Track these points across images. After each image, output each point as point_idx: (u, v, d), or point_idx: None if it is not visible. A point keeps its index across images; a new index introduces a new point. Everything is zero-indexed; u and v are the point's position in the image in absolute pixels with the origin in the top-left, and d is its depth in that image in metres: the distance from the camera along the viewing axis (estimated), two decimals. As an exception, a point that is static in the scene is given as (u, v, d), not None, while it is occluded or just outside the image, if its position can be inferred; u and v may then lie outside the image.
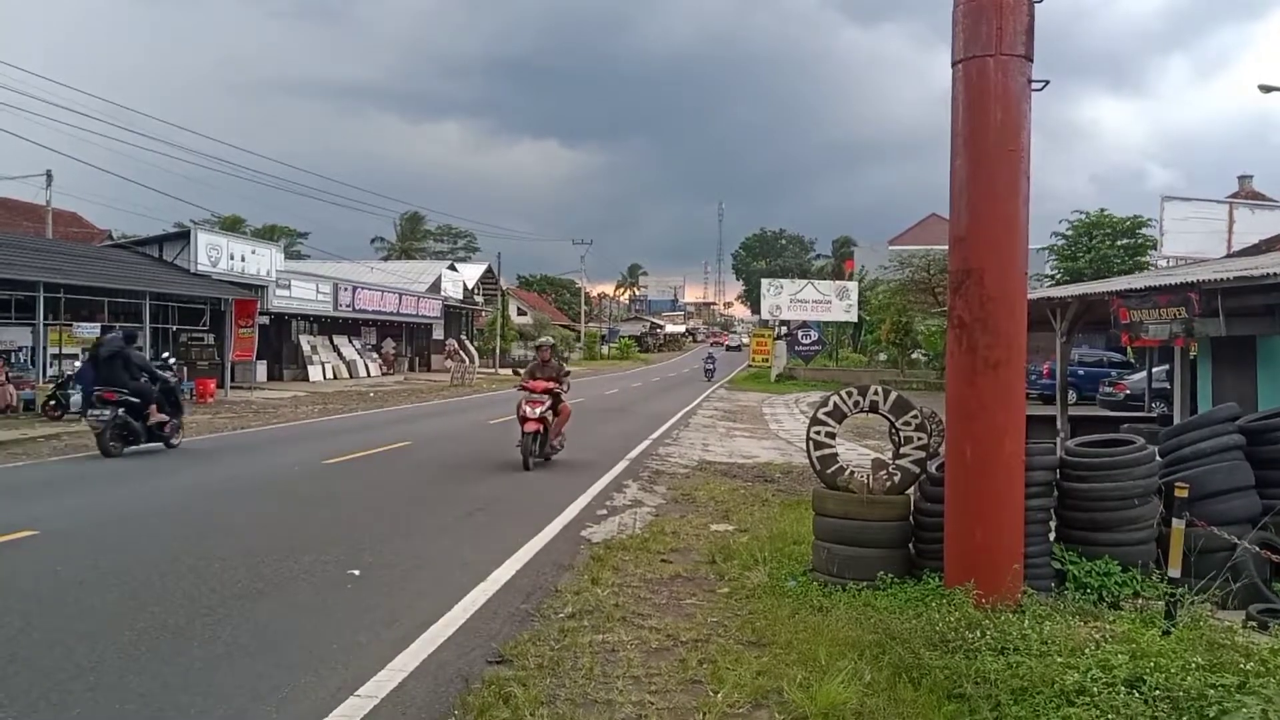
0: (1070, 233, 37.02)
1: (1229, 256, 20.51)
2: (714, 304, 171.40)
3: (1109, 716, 3.78)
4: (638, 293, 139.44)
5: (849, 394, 6.70)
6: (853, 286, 49.92)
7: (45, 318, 20.68)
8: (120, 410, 13.23)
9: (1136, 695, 3.91)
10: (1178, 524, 5.22)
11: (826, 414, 6.65)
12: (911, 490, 6.48)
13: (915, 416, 6.45)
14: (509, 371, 31.19)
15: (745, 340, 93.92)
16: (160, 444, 13.83)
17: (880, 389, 6.72)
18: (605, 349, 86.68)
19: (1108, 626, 4.88)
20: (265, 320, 31.99)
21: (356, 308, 38.50)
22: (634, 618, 5.84)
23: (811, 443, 6.62)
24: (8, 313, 22.44)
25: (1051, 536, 6.15)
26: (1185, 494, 5.33)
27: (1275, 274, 9.31)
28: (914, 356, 45.95)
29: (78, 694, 4.42)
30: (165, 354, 23.92)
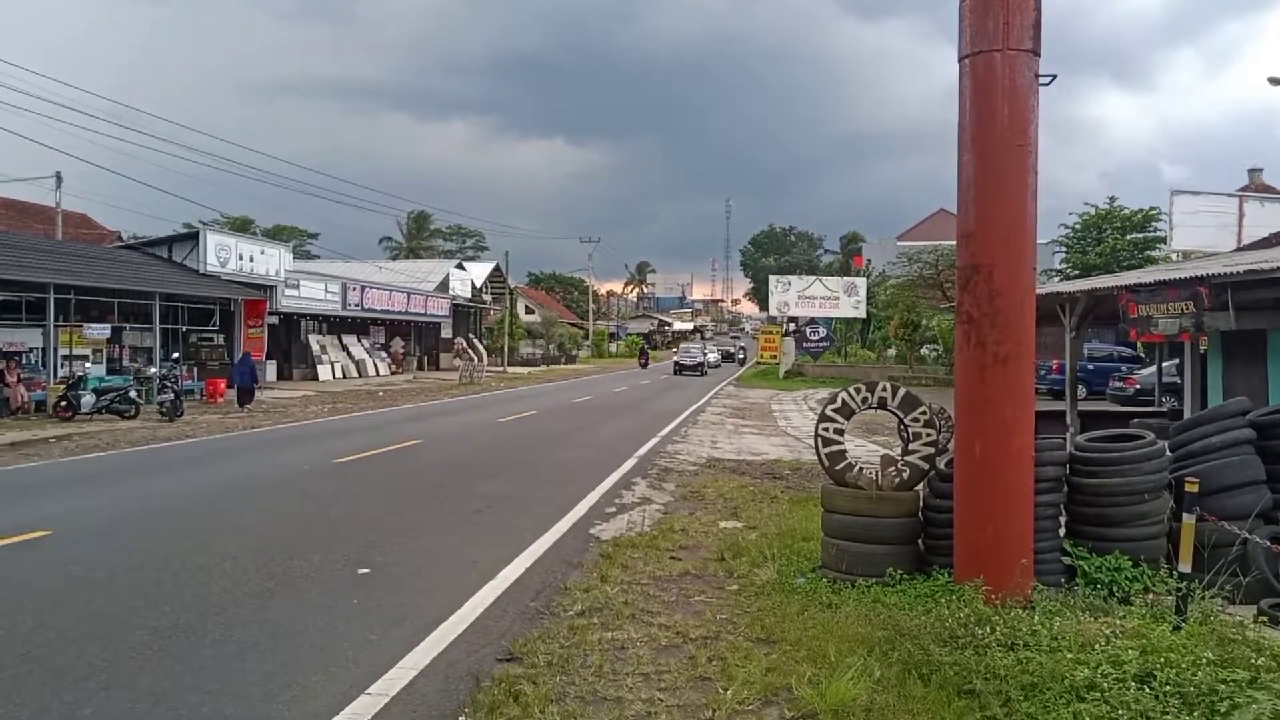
0: (1079, 225, 36.82)
1: (1239, 250, 20.39)
2: (722, 301, 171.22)
3: (1119, 712, 3.77)
4: (646, 290, 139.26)
5: (857, 390, 6.68)
6: (861, 283, 49.83)
7: (56, 319, 20.79)
8: None
9: (1147, 691, 3.90)
10: (1188, 519, 5.20)
11: (835, 410, 6.63)
12: (920, 486, 6.47)
13: (924, 412, 6.44)
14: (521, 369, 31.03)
15: (713, 357, 61.75)
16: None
17: (889, 385, 6.71)
18: (614, 347, 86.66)
19: (1118, 622, 4.86)
20: (274, 320, 32.14)
21: (365, 307, 38.63)
22: (643, 615, 5.85)
23: (820, 439, 6.61)
24: (18, 314, 22.56)
25: (1061, 532, 6.13)
26: (1195, 489, 5.30)
27: (1286, 267, 9.26)
28: (922, 352, 45.83)
29: (91, 692, 4.46)
30: (175, 354, 24.11)
